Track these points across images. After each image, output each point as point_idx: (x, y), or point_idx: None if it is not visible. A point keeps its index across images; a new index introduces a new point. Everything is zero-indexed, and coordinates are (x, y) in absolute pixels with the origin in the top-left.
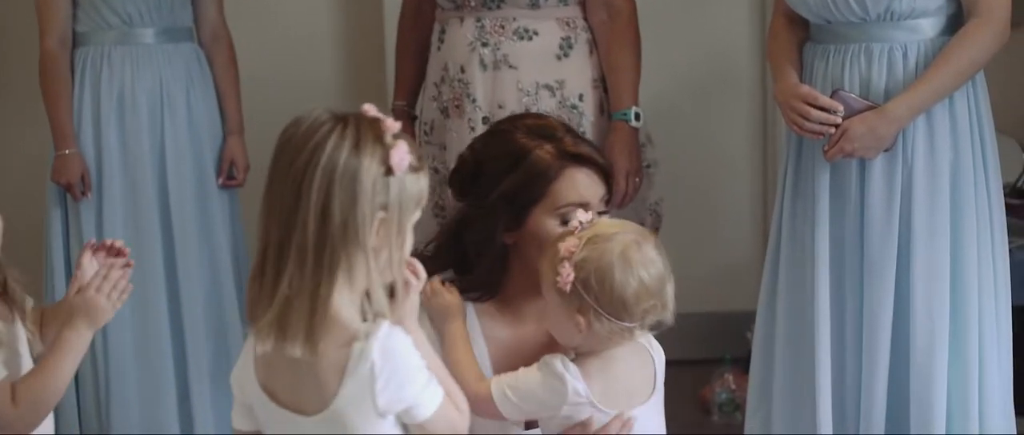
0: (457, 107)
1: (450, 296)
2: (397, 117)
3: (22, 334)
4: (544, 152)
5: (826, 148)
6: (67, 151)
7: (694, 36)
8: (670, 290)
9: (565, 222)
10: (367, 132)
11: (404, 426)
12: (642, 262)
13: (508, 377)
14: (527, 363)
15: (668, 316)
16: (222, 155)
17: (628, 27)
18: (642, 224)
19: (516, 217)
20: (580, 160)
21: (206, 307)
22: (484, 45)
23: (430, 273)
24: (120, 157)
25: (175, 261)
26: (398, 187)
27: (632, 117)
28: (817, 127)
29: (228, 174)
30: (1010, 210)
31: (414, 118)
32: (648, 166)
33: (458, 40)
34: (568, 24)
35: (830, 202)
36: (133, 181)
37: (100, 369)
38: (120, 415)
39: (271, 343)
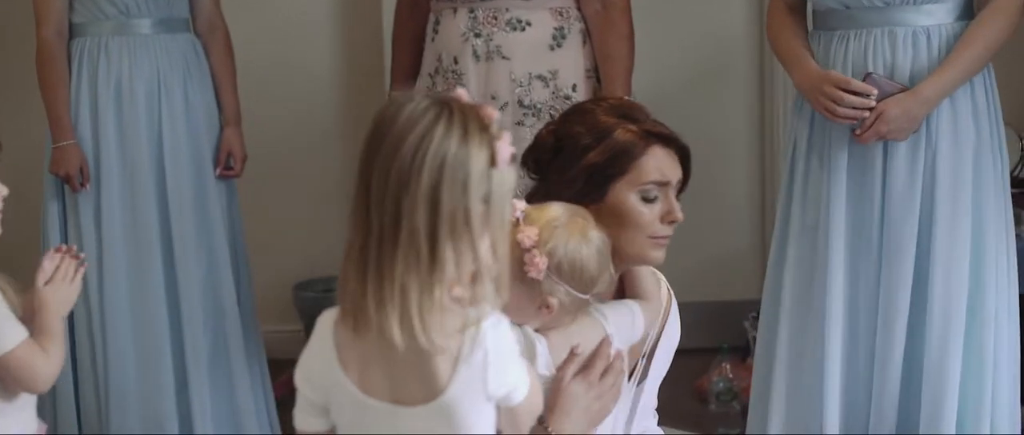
0: None
1: None
2: None
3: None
4: (627, 130)
5: (859, 132)
6: (65, 142)
7: (691, 25)
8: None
9: (645, 199)
10: (473, 121)
11: (497, 409)
12: (593, 233)
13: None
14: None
15: (612, 285)
16: (219, 146)
17: (622, 17)
18: None
19: (597, 192)
20: (663, 139)
21: (204, 298)
22: (477, 36)
23: None
24: (118, 148)
25: (173, 252)
26: (499, 178)
27: None
28: (851, 112)
29: (226, 164)
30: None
31: None
32: None
33: (451, 31)
34: (561, 14)
35: (847, 187)
36: (131, 172)
37: (99, 361)
38: (119, 406)
39: (373, 332)
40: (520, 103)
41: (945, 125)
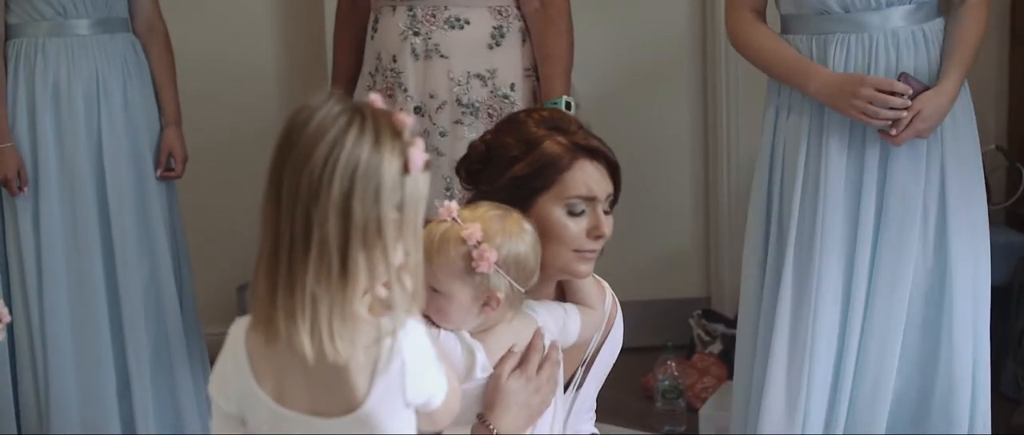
0: (389, 96)
1: None
2: None
3: None
4: (556, 142)
5: (895, 132)
6: (1, 146)
7: (633, 24)
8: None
9: (571, 213)
10: (386, 128)
11: (415, 414)
12: (525, 226)
13: (432, 331)
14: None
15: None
16: (160, 146)
17: (560, 15)
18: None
19: (522, 204)
20: (592, 153)
21: (145, 300)
22: (416, 34)
23: None
24: (56, 150)
25: (113, 254)
26: (413, 185)
27: (563, 105)
28: (893, 114)
29: (166, 166)
30: None
31: None
32: None
33: (391, 29)
34: (500, 13)
35: (845, 193)
36: (70, 174)
37: (39, 363)
38: (60, 411)
39: (285, 343)
40: (458, 102)
41: (947, 119)
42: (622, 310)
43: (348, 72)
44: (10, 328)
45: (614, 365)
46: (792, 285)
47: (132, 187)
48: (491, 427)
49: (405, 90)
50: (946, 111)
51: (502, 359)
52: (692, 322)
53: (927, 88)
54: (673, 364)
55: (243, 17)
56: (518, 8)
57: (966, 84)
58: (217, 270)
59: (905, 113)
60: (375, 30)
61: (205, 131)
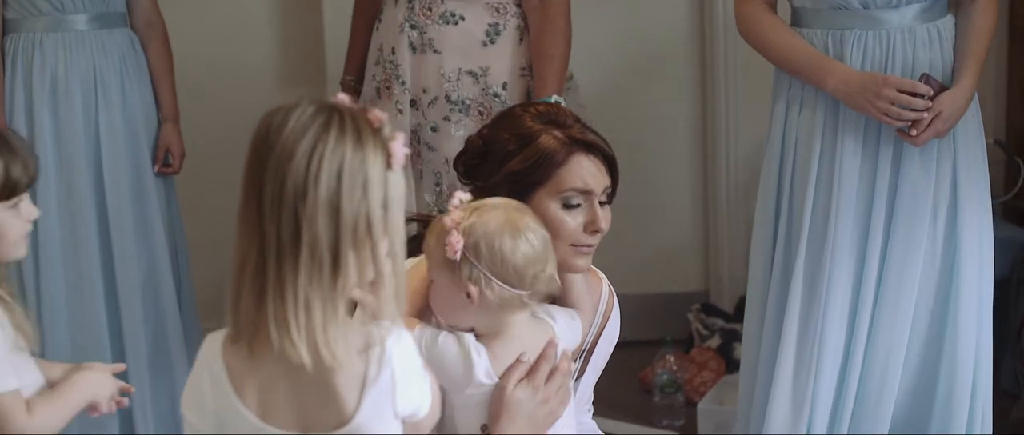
0: (387, 88)
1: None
2: (345, 92)
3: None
4: (552, 137)
5: (916, 132)
6: None
7: (632, 16)
8: (552, 259)
9: (567, 207)
10: (365, 126)
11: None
12: (528, 226)
13: (433, 332)
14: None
15: (554, 285)
16: (158, 142)
17: (559, 15)
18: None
19: (519, 199)
20: (588, 147)
21: (144, 297)
22: (413, 27)
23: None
24: (54, 146)
25: (111, 250)
26: (395, 182)
27: None
28: (915, 115)
29: (164, 161)
30: None
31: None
32: None
33: (391, 21)
34: (497, 10)
35: (858, 191)
36: (68, 170)
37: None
38: None
39: (274, 355)
40: (448, 98)
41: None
42: (620, 304)
43: (359, 59)
44: None
45: (613, 359)
46: (803, 285)
47: (130, 183)
48: None
49: (403, 83)
50: (964, 111)
51: (509, 368)
52: (691, 316)
53: (944, 88)
54: (671, 358)
55: (241, 15)
56: (517, 5)
57: None
58: (215, 267)
59: (926, 114)
60: (380, 21)
61: (203, 129)
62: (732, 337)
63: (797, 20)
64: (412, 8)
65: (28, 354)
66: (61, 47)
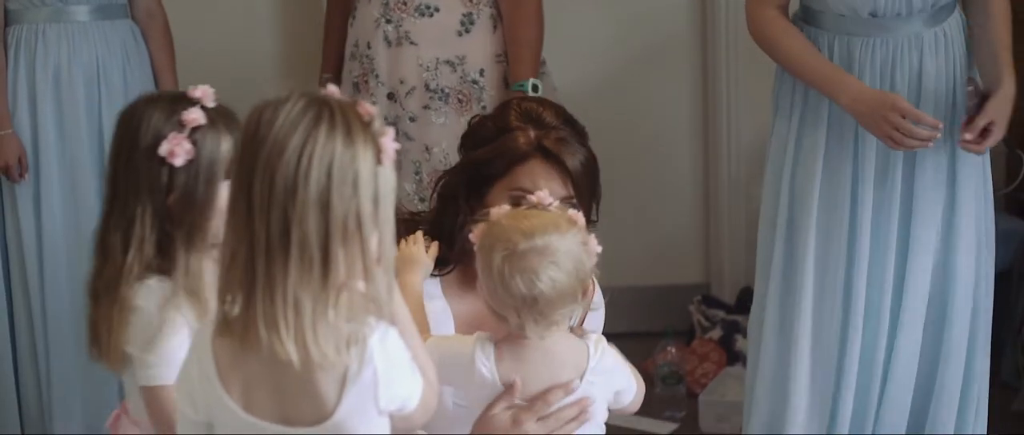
0: (364, 82)
1: (416, 249)
2: None
3: None
4: (524, 134)
5: (975, 147)
6: (2, 132)
7: (635, 8)
8: (552, 297)
9: (516, 205)
10: (355, 120)
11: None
12: (524, 235)
13: (441, 339)
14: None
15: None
16: None
17: (531, 1)
18: None
19: (481, 187)
20: (550, 156)
21: None
22: (388, 22)
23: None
24: (57, 137)
25: None
26: (385, 176)
27: (529, 88)
28: (918, 144)
29: None
30: None
31: None
32: None
33: (366, 17)
34: (470, 0)
35: (874, 193)
36: (71, 161)
37: (41, 360)
38: (62, 405)
39: (263, 351)
40: (427, 87)
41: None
42: (622, 296)
43: (336, 56)
44: (11, 323)
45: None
46: (813, 291)
47: None
48: None
49: (377, 76)
50: (1010, 113)
51: (502, 394)
52: (692, 308)
53: (981, 94)
54: (673, 350)
55: (242, 5)
56: None
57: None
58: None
59: (931, 145)
60: (354, 17)
61: None
62: (733, 329)
63: (805, 17)
64: (386, 3)
65: None
66: (64, 38)
